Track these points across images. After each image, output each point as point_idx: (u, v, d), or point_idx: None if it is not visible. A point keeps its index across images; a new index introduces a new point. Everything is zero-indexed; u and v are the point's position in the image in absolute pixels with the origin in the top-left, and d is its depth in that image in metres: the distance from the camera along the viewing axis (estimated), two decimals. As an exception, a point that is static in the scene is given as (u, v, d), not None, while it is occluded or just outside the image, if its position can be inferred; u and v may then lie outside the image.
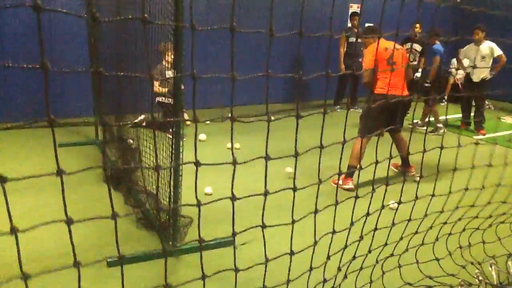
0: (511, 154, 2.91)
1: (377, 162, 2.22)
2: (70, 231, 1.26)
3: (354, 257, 2.53)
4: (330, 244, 2.28)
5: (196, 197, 1.58)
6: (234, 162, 1.52)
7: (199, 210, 1.58)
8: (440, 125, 7.50)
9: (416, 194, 2.49)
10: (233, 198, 1.60)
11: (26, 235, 1.19)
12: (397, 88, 4.85)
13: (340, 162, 2.12)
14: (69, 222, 1.20)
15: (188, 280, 1.72)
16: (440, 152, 2.46)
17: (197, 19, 1.17)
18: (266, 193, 1.67)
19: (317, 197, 1.97)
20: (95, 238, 3.48)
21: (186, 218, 3.73)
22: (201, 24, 1.28)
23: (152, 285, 1.84)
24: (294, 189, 1.81)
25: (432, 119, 7.61)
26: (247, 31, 1.33)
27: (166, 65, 6.28)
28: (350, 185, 5.01)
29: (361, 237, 2.42)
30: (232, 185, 1.67)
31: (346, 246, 2.39)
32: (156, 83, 6.35)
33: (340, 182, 4.90)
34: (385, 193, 2.43)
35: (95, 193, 4.46)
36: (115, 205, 1.39)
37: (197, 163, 1.41)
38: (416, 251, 2.84)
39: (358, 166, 4.92)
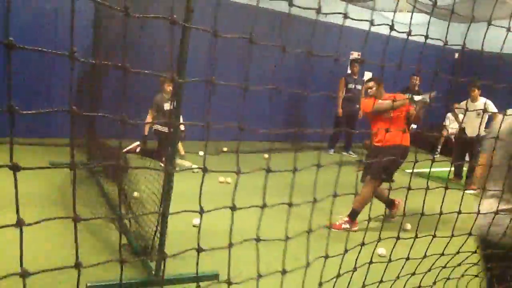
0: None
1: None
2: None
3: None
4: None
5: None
6: (239, 172, 1.51)
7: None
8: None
9: (398, 235, 2.48)
10: (233, 208, 1.57)
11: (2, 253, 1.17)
12: (395, 138, 4.90)
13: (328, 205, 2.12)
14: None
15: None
16: (425, 197, 2.46)
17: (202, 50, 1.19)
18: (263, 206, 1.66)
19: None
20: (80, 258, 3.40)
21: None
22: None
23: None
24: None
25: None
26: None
27: (165, 96, 6.32)
28: (357, 228, 5.09)
29: (355, 269, 2.39)
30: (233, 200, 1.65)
31: (338, 275, 2.36)
32: (150, 113, 6.36)
33: (347, 226, 4.97)
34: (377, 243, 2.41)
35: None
36: (100, 226, 1.37)
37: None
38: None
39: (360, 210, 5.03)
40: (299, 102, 9.82)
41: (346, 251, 2.24)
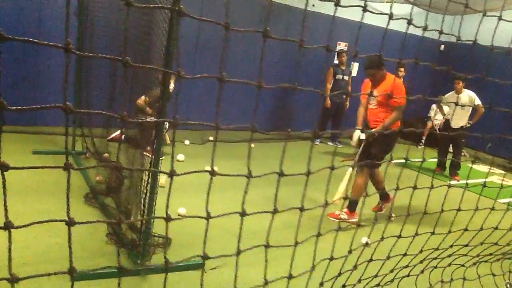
0: (483, 201, 3.03)
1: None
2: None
3: (344, 286, 2.54)
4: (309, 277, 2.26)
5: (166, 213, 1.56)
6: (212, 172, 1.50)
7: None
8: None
9: (382, 235, 2.52)
10: (208, 217, 1.57)
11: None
12: (379, 122, 4.87)
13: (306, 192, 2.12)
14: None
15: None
16: (412, 193, 2.49)
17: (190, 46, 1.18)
18: (243, 214, 1.65)
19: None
20: (60, 251, 3.37)
21: (160, 239, 3.66)
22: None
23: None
24: (275, 211, 1.79)
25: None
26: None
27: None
28: (356, 218, 4.99)
29: (355, 267, 2.42)
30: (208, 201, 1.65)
31: (340, 274, 2.38)
32: (144, 99, 6.27)
33: (345, 216, 4.96)
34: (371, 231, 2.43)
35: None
36: (89, 219, 1.36)
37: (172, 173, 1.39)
38: (399, 282, 2.91)
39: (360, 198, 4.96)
40: (286, 93, 9.80)
41: (350, 251, 2.26)
